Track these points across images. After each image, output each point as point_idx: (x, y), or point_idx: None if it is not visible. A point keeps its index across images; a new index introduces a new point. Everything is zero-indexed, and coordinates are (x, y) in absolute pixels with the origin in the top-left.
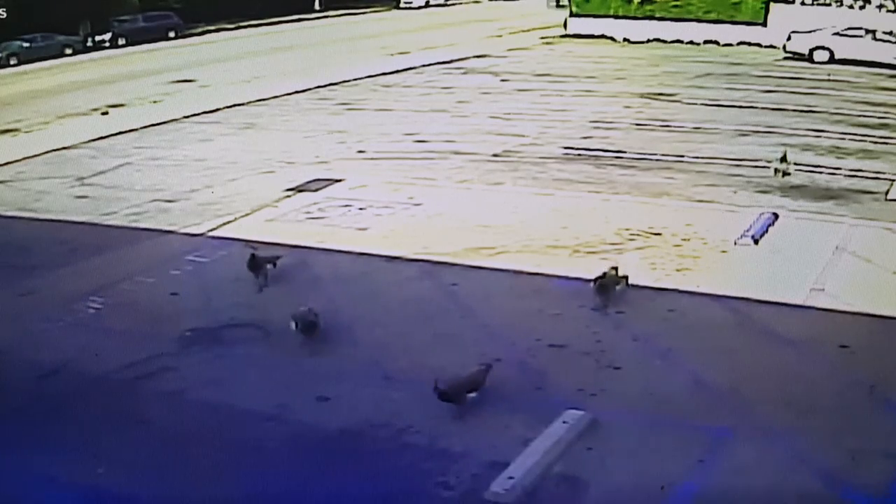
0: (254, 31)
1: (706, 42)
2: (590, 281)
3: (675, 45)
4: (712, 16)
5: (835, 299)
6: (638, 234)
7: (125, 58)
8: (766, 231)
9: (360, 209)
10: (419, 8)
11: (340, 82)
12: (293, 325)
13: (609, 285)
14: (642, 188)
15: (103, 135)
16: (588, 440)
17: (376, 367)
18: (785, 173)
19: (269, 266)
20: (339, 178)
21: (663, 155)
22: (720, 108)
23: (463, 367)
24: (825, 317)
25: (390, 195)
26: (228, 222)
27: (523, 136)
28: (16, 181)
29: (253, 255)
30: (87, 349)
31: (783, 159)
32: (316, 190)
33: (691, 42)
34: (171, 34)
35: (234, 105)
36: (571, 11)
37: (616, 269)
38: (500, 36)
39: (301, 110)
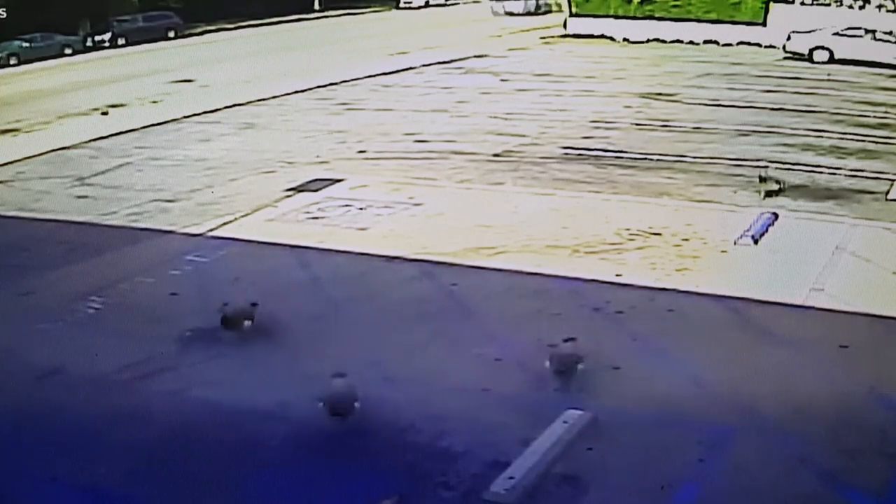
0: (254, 31)
1: (706, 42)
2: (591, 281)
3: (675, 45)
4: (712, 16)
5: (834, 299)
6: (638, 234)
7: (125, 58)
8: (766, 231)
9: (360, 209)
10: (419, 8)
11: (340, 82)
12: (322, 406)
13: (569, 366)
14: (642, 188)
15: (103, 135)
16: (588, 440)
17: (376, 367)
18: (769, 193)
19: (246, 322)
20: (339, 178)
21: (663, 155)
22: (720, 107)
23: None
24: (825, 317)
25: (390, 195)
26: (228, 222)
27: (523, 136)
28: (16, 181)
29: (224, 315)
30: (86, 349)
31: (762, 179)
32: (316, 190)
33: (691, 42)
34: (171, 34)
35: (234, 105)
36: (571, 11)
37: (572, 339)
38: (500, 36)
39: (301, 110)
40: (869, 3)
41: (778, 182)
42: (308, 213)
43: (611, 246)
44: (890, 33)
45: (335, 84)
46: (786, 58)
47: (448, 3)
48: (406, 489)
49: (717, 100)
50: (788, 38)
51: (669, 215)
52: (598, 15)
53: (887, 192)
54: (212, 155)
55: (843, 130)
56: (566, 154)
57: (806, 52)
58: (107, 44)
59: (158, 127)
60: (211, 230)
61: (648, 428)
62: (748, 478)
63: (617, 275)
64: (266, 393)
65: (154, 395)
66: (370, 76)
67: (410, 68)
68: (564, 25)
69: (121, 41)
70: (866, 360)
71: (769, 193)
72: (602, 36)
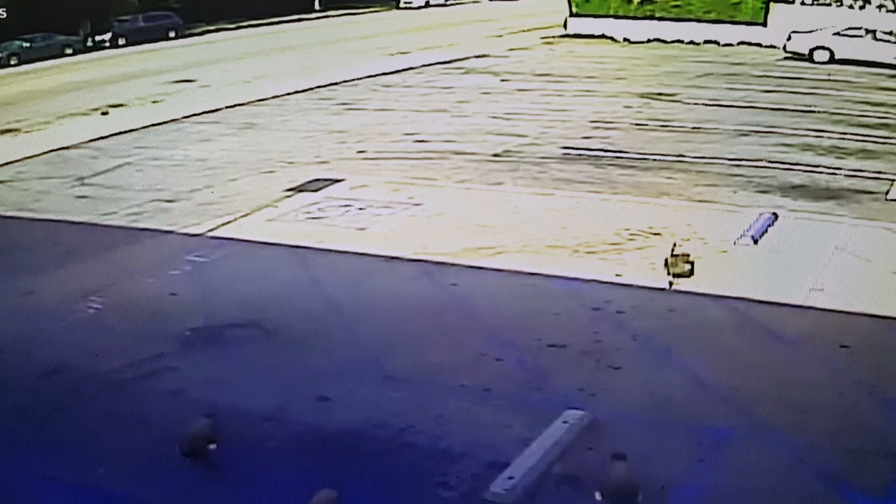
0: (254, 31)
1: (706, 42)
2: (591, 281)
3: (675, 45)
4: (712, 16)
5: (834, 299)
6: (638, 234)
7: (125, 58)
8: (766, 231)
9: (360, 209)
10: (419, 8)
11: (340, 82)
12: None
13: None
14: (642, 188)
15: (103, 135)
16: (588, 440)
17: (376, 366)
18: (679, 275)
19: (211, 446)
20: (339, 178)
21: (663, 155)
22: (720, 108)
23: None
24: (825, 317)
25: (390, 195)
26: (228, 222)
27: (523, 136)
28: (16, 181)
29: (189, 449)
30: (87, 349)
31: (668, 261)
32: (316, 190)
33: (691, 42)
34: (171, 34)
35: (234, 105)
36: (571, 11)
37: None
38: (501, 36)
39: (301, 110)
40: (869, 3)
41: (689, 262)
42: (308, 213)
43: (611, 246)
44: (890, 33)
45: (335, 84)
46: (786, 58)
47: (448, 3)
48: (405, 489)
49: (718, 100)
50: (789, 38)
51: (669, 215)
52: (598, 15)
53: (887, 192)
54: (212, 155)
55: (843, 130)
56: (566, 154)
57: (806, 52)
58: (107, 44)
59: (158, 127)
60: (211, 230)
61: (648, 428)
62: (748, 478)
63: (617, 275)
64: (266, 393)
65: (154, 394)
66: (370, 76)
67: (411, 68)
68: (565, 25)
69: (121, 41)
70: (866, 360)
71: (678, 275)
72: (602, 36)
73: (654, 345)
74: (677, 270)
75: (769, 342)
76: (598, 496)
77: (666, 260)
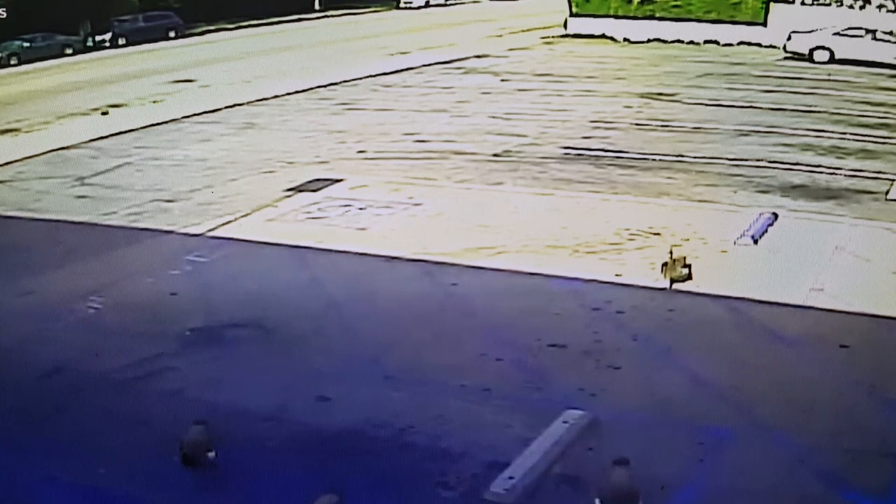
0: (254, 31)
1: (706, 42)
2: (590, 281)
3: (676, 45)
4: (712, 16)
5: (834, 299)
6: (638, 234)
7: (125, 58)
8: (766, 231)
9: (360, 209)
10: (419, 8)
11: (340, 82)
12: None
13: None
14: (642, 188)
15: (103, 135)
16: (588, 440)
17: (376, 366)
18: (677, 279)
19: (209, 454)
20: (339, 178)
21: (663, 155)
22: (720, 108)
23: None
24: (825, 317)
25: (390, 195)
26: (228, 222)
27: (523, 136)
28: (16, 181)
29: (182, 451)
30: (87, 349)
31: (667, 264)
32: (316, 190)
33: (691, 42)
34: (171, 34)
35: (234, 105)
36: (572, 11)
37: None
38: (500, 36)
39: (301, 110)
40: (869, 3)
41: (687, 266)
42: (308, 213)
43: (611, 246)
44: (890, 33)
45: (335, 84)
46: (786, 58)
47: (448, 3)
48: (405, 489)
49: (718, 100)
50: (789, 38)
51: (669, 215)
52: (598, 15)
53: (887, 192)
54: (212, 155)
55: (843, 130)
56: (566, 154)
57: (806, 52)
58: (107, 44)
59: (158, 127)
60: (211, 230)
61: (648, 428)
62: (748, 478)
63: (617, 275)
64: (266, 393)
65: (154, 394)
66: (370, 76)
67: (410, 68)
68: (565, 25)
69: (121, 41)
70: (866, 360)
71: (675, 280)
72: (602, 36)
73: (654, 345)
74: (675, 275)
75: (769, 342)
76: (597, 503)
77: (664, 264)
